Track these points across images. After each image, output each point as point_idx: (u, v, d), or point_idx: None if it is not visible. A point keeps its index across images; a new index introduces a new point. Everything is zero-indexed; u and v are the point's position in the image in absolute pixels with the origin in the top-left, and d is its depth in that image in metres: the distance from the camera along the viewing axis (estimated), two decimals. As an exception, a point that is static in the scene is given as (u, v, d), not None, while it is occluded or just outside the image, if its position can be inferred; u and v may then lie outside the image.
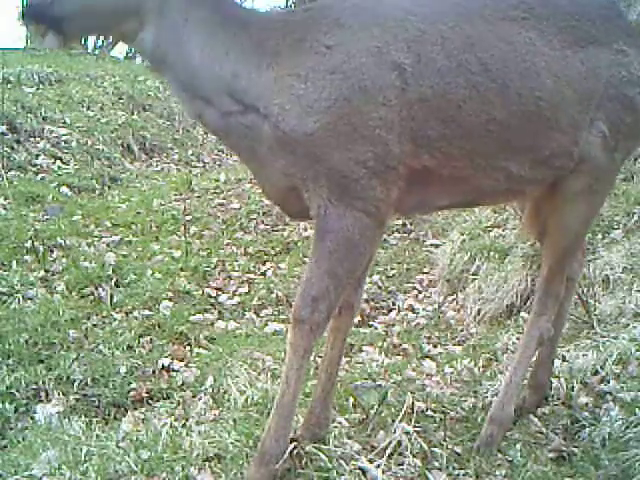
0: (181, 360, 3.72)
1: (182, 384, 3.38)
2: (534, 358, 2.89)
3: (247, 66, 2.17)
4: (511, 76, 2.32)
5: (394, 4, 2.35)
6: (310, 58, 2.15)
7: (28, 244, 5.00)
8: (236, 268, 5.21)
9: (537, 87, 2.36)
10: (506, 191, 2.53)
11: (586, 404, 2.85)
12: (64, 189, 6.60)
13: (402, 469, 2.39)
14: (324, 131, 2.12)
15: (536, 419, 2.79)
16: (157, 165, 8.71)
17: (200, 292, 4.71)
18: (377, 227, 2.28)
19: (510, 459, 2.52)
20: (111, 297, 4.44)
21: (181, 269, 4.99)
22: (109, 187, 7.21)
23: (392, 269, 5.56)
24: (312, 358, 3.73)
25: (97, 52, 15.31)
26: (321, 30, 2.18)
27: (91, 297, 4.47)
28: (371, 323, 4.63)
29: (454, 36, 2.27)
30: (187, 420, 2.83)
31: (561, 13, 2.49)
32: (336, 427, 2.67)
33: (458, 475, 2.40)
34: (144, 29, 2.14)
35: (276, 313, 4.60)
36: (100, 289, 4.54)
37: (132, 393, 3.35)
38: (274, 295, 4.78)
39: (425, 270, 5.54)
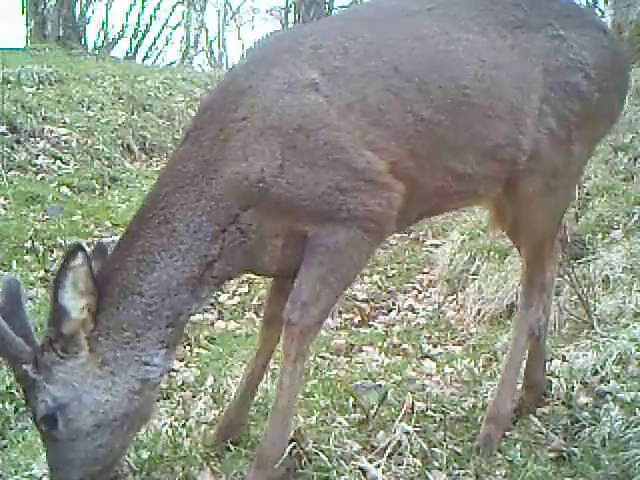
0: (181, 360, 3.72)
1: (182, 384, 3.37)
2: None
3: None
4: (427, 71, 2.25)
5: (283, 39, 2.35)
6: (238, 138, 2.10)
7: (28, 244, 5.00)
8: (236, 268, 5.19)
9: (459, 76, 2.27)
10: (460, 193, 2.44)
11: (586, 404, 2.84)
12: (64, 189, 6.59)
13: (402, 469, 2.39)
14: (289, 185, 2.09)
15: (536, 419, 2.79)
16: (157, 165, 8.70)
17: (200, 292, 4.69)
18: (377, 240, 2.26)
19: (510, 459, 2.52)
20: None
21: (181, 269, 4.98)
22: (109, 187, 7.20)
23: (392, 269, 5.55)
24: (312, 358, 3.74)
25: (97, 52, 15.31)
26: (230, 111, 2.14)
27: (91, 297, 4.46)
28: (371, 323, 4.63)
29: (356, 46, 2.21)
30: (187, 420, 2.83)
31: None
32: (336, 427, 2.67)
33: (458, 475, 2.39)
34: None
35: (276, 313, 4.59)
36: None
37: (132, 393, 3.34)
38: (274, 295, 4.77)
39: (425, 270, 5.54)
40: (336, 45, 2.20)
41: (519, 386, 2.93)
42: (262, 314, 2.67)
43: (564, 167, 2.49)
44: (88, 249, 2.09)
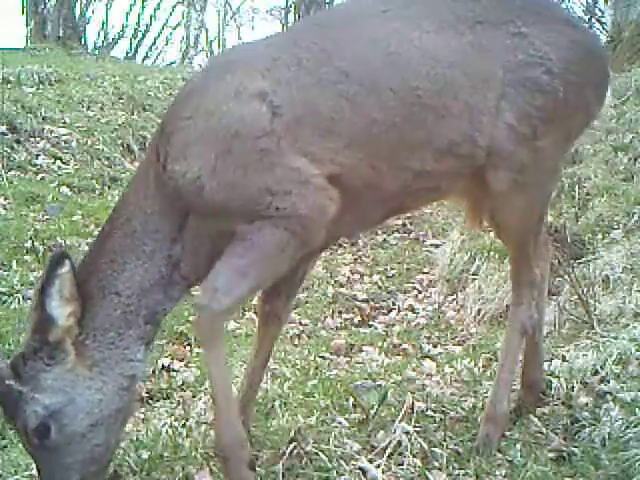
0: (181, 360, 3.72)
1: (182, 384, 3.38)
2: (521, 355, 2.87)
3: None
4: (378, 73, 2.24)
5: (243, 49, 2.40)
6: (180, 137, 2.15)
7: (28, 244, 5.00)
8: (236, 268, 5.19)
9: (410, 76, 2.26)
10: (423, 190, 2.44)
11: (586, 404, 2.84)
12: (64, 189, 6.59)
13: (402, 469, 2.39)
14: (222, 188, 2.12)
15: (536, 419, 2.79)
16: (157, 165, 8.69)
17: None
18: (301, 246, 2.24)
19: (510, 459, 2.52)
20: (111, 297, 4.42)
21: (181, 269, 4.98)
22: (109, 187, 7.19)
23: (392, 269, 5.56)
24: (312, 358, 3.74)
25: (97, 52, 15.32)
26: (178, 108, 2.23)
27: (91, 297, 4.46)
28: (371, 323, 4.63)
29: (309, 55, 2.23)
30: (187, 420, 2.83)
31: None
32: (336, 427, 2.67)
33: (458, 475, 2.39)
34: None
35: (276, 313, 4.59)
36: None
37: (132, 393, 3.35)
38: (274, 295, 4.76)
39: (425, 270, 5.55)
40: (291, 57, 2.23)
41: (518, 386, 2.94)
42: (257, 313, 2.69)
43: (533, 163, 2.45)
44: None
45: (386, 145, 2.26)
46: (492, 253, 4.82)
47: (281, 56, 2.23)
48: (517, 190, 2.47)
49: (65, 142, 7.65)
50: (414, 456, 2.44)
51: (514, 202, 2.51)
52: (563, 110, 2.46)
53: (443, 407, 2.90)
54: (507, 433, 2.69)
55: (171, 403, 3.15)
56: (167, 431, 2.68)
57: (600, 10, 13.89)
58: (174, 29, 19.78)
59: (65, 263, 2.00)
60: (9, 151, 6.91)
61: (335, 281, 5.24)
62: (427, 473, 2.36)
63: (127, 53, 17.84)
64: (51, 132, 7.68)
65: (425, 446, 2.49)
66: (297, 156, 2.16)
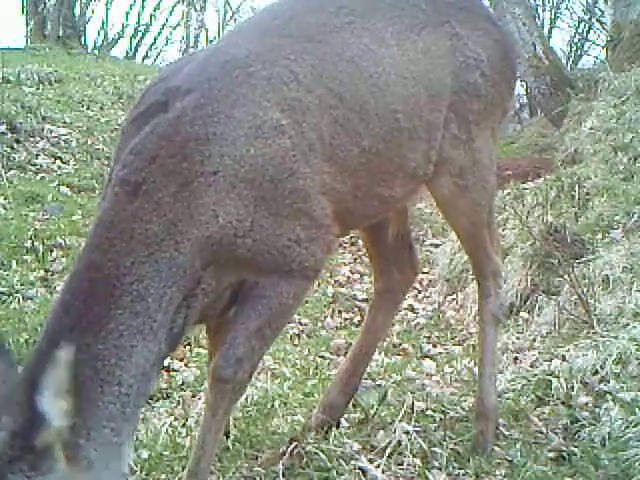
0: (181, 360, 3.72)
1: (182, 384, 3.38)
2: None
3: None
4: (365, 98, 2.13)
5: (232, 69, 2.01)
6: (209, 195, 1.88)
7: (28, 244, 4.99)
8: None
9: (391, 100, 2.18)
10: (381, 212, 2.43)
11: (586, 404, 2.84)
12: (64, 189, 6.59)
13: (402, 469, 2.39)
14: (254, 242, 1.96)
15: (536, 419, 2.79)
16: (157, 165, 8.69)
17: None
18: (312, 286, 2.20)
19: (510, 459, 2.52)
20: (111, 297, 4.42)
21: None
22: (109, 187, 7.19)
23: (392, 269, 5.54)
24: (312, 358, 3.74)
25: (97, 52, 15.32)
26: (195, 163, 1.88)
27: (91, 297, 4.45)
28: (371, 323, 4.62)
29: (303, 70, 2.05)
30: (187, 420, 2.83)
31: (383, 3, 2.30)
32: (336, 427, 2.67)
33: (458, 475, 2.40)
34: None
35: (276, 313, 4.60)
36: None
37: (132, 393, 3.35)
38: (274, 295, 4.77)
39: (425, 270, 5.54)
40: (285, 71, 2.03)
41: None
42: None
43: (471, 164, 2.46)
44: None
45: (368, 173, 2.19)
46: (492, 253, 4.82)
47: (274, 72, 2.01)
48: (460, 193, 2.47)
49: (65, 142, 7.66)
50: (414, 456, 2.44)
51: (459, 205, 2.52)
52: (489, 108, 2.48)
53: (443, 407, 2.90)
54: (507, 433, 2.69)
55: (171, 403, 3.15)
56: (167, 431, 2.68)
57: (600, 10, 13.89)
58: (174, 29, 19.79)
59: (67, 347, 1.58)
60: (9, 151, 6.91)
61: (335, 281, 5.24)
62: (427, 473, 2.36)
63: (127, 53, 17.86)
64: (51, 132, 7.69)
65: (425, 446, 2.49)
66: (318, 194, 2.06)
